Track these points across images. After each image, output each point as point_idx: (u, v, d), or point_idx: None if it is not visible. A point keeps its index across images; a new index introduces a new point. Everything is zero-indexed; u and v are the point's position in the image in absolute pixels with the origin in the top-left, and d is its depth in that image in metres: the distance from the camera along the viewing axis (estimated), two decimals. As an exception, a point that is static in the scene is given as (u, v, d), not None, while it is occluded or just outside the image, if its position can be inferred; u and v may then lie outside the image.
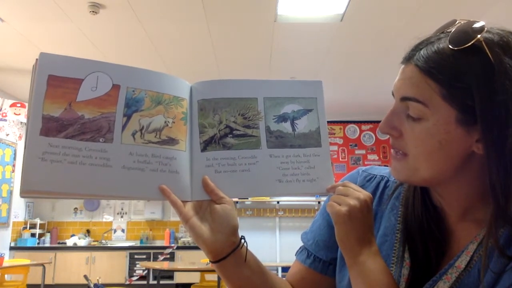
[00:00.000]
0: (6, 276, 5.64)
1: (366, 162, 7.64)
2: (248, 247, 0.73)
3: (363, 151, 7.68)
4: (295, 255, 0.86)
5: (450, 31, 0.62)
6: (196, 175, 0.71)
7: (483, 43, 0.58)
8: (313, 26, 4.23)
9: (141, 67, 0.70)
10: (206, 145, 0.72)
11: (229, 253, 0.70)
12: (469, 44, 0.58)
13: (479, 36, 0.59)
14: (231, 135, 0.73)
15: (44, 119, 0.63)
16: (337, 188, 0.71)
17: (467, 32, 0.59)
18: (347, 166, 7.65)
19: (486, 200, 0.62)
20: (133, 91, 0.68)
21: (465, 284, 0.62)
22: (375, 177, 0.81)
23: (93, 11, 3.81)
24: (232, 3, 3.80)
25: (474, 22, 0.61)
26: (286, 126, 0.74)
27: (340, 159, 7.69)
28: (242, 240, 0.72)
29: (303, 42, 4.60)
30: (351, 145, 7.74)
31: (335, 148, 7.71)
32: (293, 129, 0.74)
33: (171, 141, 0.70)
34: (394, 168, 0.68)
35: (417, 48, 0.64)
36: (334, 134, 7.73)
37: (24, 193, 0.61)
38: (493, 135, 0.57)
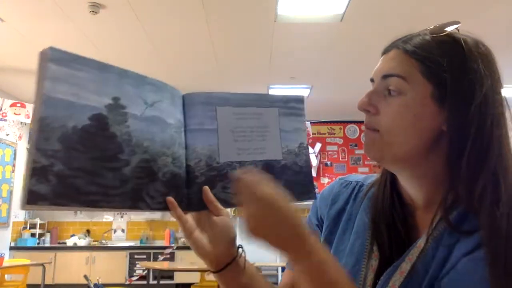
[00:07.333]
0: (6, 276, 5.64)
1: (366, 162, 7.65)
2: (248, 248, 0.76)
3: (363, 151, 7.67)
4: (285, 265, 0.88)
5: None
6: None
7: (459, 31, 0.68)
8: (313, 26, 4.23)
9: (141, 67, 0.70)
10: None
11: (230, 262, 0.73)
12: (447, 32, 0.67)
13: (456, 26, 0.67)
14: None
15: None
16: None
17: (444, 25, 0.68)
18: (347, 166, 7.65)
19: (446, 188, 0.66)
20: None
21: (421, 263, 0.64)
22: (351, 183, 0.84)
23: (93, 11, 3.81)
24: (232, 3, 3.81)
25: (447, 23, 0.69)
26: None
27: (340, 159, 7.69)
28: (240, 249, 0.75)
29: (303, 42, 4.60)
30: (351, 145, 7.74)
31: (335, 148, 7.72)
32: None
33: None
34: (366, 145, 0.71)
35: (397, 40, 0.71)
36: (334, 134, 7.74)
37: (25, 205, 0.56)
38: (458, 110, 0.63)
